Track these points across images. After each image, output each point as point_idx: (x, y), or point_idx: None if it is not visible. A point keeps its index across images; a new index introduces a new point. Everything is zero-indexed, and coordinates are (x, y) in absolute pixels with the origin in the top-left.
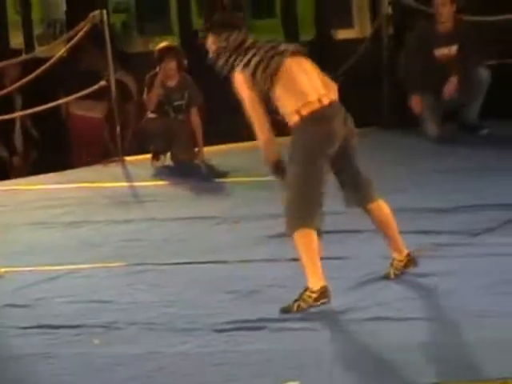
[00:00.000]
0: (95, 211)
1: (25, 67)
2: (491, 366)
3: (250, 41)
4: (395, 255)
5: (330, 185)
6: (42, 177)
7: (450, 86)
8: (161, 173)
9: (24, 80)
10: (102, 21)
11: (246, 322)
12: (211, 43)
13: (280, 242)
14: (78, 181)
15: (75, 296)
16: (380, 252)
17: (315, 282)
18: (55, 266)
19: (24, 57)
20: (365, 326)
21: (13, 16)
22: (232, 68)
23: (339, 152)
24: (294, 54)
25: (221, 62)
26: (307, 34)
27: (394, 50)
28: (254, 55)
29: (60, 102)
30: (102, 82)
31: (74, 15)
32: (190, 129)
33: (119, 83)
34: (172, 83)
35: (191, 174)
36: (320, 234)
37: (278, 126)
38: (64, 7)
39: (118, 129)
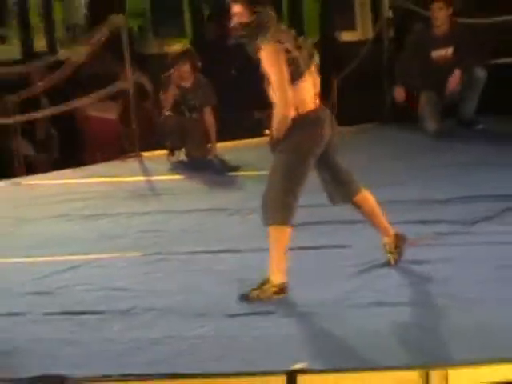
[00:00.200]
0: (114, 204)
1: (48, 70)
2: (482, 351)
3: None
4: (385, 239)
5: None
6: (62, 172)
7: (454, 78)
8: (176, 167)
9: (48, 82)
10: (120, 25)
11: (257, 308)
12: (241, 13)
13: None
14: (97, 175)
15: (95, 284)
16: (375, 241)
17: (278, 277)
18: (76, 255)
19: (47, 60)
20: (363, 311)
21: (35, 20)
22: (260, 41)
23: (323, 151)
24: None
25: (249, 33)
26: (312, 36)
27: (394, 51)
28: (291, 39)
29: (76, 104)
30: (120, 84)
31: (94, 19)
32: (204, 126)
33: (136, 83)
34: (187, 84)
35: (205, 168)
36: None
37: None
38: (84, 11)
39: (135, 126)
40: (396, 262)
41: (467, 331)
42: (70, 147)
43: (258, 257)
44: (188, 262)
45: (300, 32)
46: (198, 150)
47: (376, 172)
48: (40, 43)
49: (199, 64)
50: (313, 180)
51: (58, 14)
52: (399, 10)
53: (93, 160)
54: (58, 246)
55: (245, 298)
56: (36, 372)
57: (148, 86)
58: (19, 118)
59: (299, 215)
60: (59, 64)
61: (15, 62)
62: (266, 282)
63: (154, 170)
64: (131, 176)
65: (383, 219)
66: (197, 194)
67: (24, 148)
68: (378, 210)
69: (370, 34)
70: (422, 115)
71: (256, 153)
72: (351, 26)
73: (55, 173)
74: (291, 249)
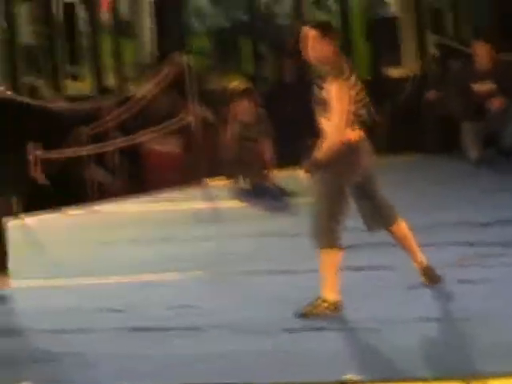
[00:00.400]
0: (180, 229)
1: (118, 105)
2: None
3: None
4: (416, 264)
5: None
6: (132, 200)
7: (497, 101)
8: (237, 194)
9: (117, 116)
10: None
11: (311, 324)
12: (322, 45)
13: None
14: (164, 202)
15: (163, 302)
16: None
17: (332, 296)
18: (146, 276)
19: (116, 95)
20: (409, 326)
21: (106, 58)
22: (335, 75)
23: (361, 180)
24: None
25: (328, 66)
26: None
27: (437, 86)
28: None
29: (143, 136)
30: (185, 117)
31: (160, 57)
32: (263, 156)
33: (199, 117)
34: (247, 118)
35: (263, 194)
36: (342, 248)
37: None
38: (151, 50)
39: (199, 156)
40: (430, 283)
41: (506, 346)
42: (137, 176)
43: (312, 278)
44: (247, 282)
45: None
46: (259, 178)
47: (422, 196)
48: (110, 80)
49: (258, 99)
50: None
51: (127, 52)
52: (443, 47)
53: (159, 188)
54: (129, 267)
55: (301, 315)
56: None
57: (210, 118)
58: (92, 148)
59: (347, 238)
60: (127, 99)
61: (87, 98)
62: (320, 299)
63: (217, 196)
64: (195, 202)
65: (414, 246)
66: (256, 219)
67: (97, 175)
68: (410, 236)
69: (416, 70)
70: (465, 144)
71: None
72: (397, 63)
73: (125, 200)
74: (341, 269)
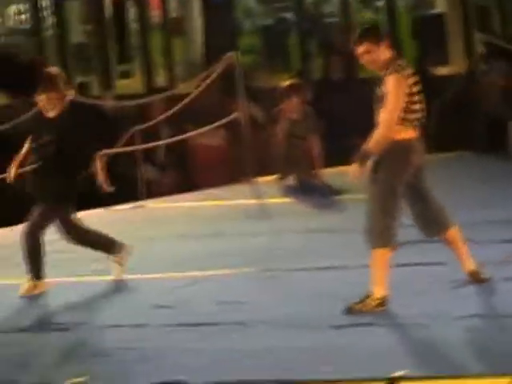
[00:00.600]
0: (228, 225)
1: (168, 102)
2: None
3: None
4: (464, 271)
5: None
6: (180, 196)
7: None
8: (285, 191)
9: (167, 114)
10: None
11: (359, 320)
12: (377, 51)
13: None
14: (212, 198)
15: (212, 298)
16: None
17: (380, 291)
18: (194, 272)
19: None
20: (459, 322)
21: (157, 57)
22: (389, 72)
23: (413, 180)
24: None
25: (387, 68)
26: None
27: (485, 84)
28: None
29: (195, 133)
30: (234, 115)
31: (210, 55)
32: (311, 153)
33: (248, 114)
34: (296, 115)
35: (312, 192)
36: (396, 247)
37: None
38: (201, 48)
39: (248, 153)
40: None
41: None
42: (186, 173)
43: (360, 273)
44: (295, 278)
45: None
46: (307, 176)
47: (465, 194)
48: (160, 78)
49: (306, 97)
50: None
51: (176, 50)
52: (490, 46)
53: (207, 184)
54: (178, 263)
55: (348, 310)
56: (158, 378)
57: (259, 116)
58: (142, 146)
59: (399, 235)
60: (177, 97)
61: (137, 96)
62: (368, 295)
63: (265, 193)
64: (244, 199)
65: (465, 253)
66: (304, 216)
67: (147, 173)
68: (461, 244)
69: (463, 68)
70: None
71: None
72: (444, 61)
73: (173, 196)
74: (392, 266)
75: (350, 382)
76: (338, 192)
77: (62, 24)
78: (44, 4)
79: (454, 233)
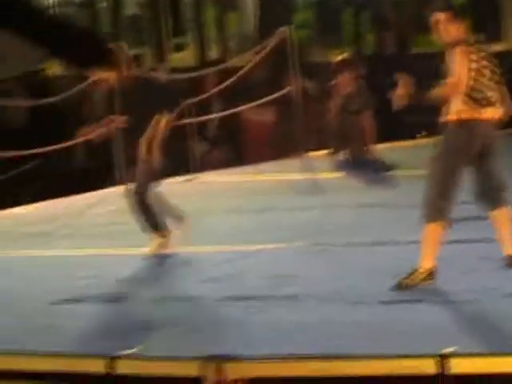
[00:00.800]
0: (279, 199)
1: (220, 76)
2: None
3: None
4: (504, 253)
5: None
6: (231, 170)
7: None
8: (337, 166)
9: (220, 87)
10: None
11: (407, 296)
12: (454, 26)
13: None
14: (263, 173)
15: (262, 272)
16: None
17: (428, 263)
18: (245, 246)
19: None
20: (507, 299)
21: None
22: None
23: (479, 160)
24: None
25: (459, 45)
26: None
27: None
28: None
29: (247, 107)
30: (287, 89)
31: (263, 30)
32: (364, 129)
33: (301, 89)
34: (349, 91)
35: (364, 167)
36: (449, 224)
37: None
38: (254, 22)
39: (299, 128)
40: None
41: None
42: (238, 146)
43: (409, 249)
44: (346, 253)
45: None
46: (359, 151)
47: None
48: (213, 51)
49: (359, 71)
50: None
51: (230, 24)
52: None
53: (259, 158)
54: (228, 236)
55: (397, 286)
56: (208, 351)
57: (312, 90)
58: (194, 119)
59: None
60: (230, 71)
61: (191, 69)
62: (415, 269)
63: (316, 168)
64: (295, 173)
65: (508, 236)
66: (356, 191)
67: (199, 146)
68: (508, 226)
69: None
70: None
71: (410, 153)
72: (497, 37)
73: (225, 170)
74: (444, 242)
75: (399, 357)
76: (390, 167)
77: None
78: None
79: (503, 213)
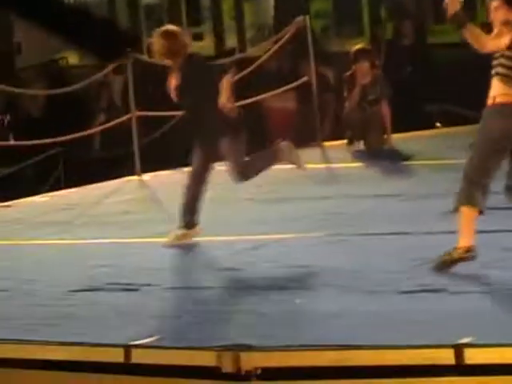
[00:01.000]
0: (297, 189)
1: (238, 66)
2: None
3: None
4: None
5: None
6: None
7: None
8: (355, 156)
9: (239, 77)
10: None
11: (427, 285)
12: (508, 12)
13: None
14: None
15: (279, 262)
16: None
17: (466, 240)
18: (262, 235)
19: (237, 56)
20: None
21: (228, 21)
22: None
23: None
24: None
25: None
26: None
27: None
28: None
29: (262, 96)
30: (304, 78)
31: (281, 19)
32: (381, 118)
33: (321, 76)
34: (366, 81)
35: (381, 157)
36: (482, 211)
37: None
38: (272, 12)
39: (317, 117)
40: None
41: None
42: (255, 135)
43: (427, 239)
44: (364, 243)
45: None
46: (377, 141)
47: None
48: (231, 41)
49: (376, 61)
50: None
51: (248, 14)
52: None
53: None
54: (246, 226)
55: (437, 266)
56: (225, 341)
57: (330, 80)
58: None
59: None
60: (248, 60)
61: (209, 59)
62: (454, 248)
63: (334, 158)
64: (313, 163)
65: None
66: (373, 181)
67: None
68: None
69: None
70: None
71: (427, 143)
72: None
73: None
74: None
75: (416, 347)
76: (408, 157)
77: None
78: None
79: None
